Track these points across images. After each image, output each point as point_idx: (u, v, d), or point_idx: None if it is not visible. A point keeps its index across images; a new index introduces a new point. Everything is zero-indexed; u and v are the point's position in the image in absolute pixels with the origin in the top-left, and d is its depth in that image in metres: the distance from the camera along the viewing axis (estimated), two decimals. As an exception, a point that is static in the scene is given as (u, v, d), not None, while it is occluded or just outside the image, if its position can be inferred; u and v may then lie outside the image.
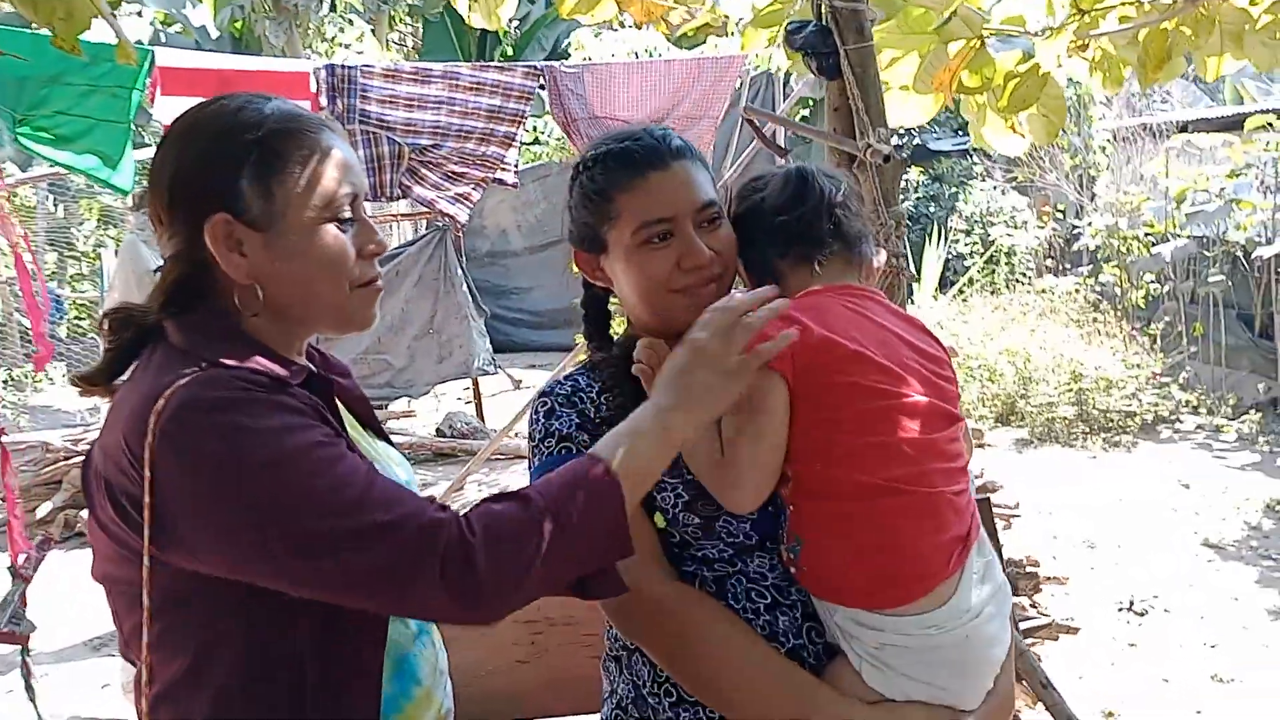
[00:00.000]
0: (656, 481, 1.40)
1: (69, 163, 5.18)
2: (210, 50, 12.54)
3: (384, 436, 1.52)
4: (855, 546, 1.36)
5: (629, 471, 1.22)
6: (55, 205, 14.60)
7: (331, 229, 1.27)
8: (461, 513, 1.16)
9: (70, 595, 5.17)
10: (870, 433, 1.35)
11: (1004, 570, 2.30)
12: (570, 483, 1.20)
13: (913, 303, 10.10)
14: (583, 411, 1.52)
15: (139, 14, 12.34)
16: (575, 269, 1.65)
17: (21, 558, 2.82)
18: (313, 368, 1.33)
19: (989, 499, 2.39)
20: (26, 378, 8.91)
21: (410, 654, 1.35)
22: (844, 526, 1.36)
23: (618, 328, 1.70)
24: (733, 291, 1.37)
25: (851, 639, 1.38)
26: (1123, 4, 2.92)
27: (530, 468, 1.54)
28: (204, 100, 1.30)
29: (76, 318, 13.32)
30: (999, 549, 2.46)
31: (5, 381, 9.84)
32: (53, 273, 16.11)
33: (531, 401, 1.61)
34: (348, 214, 1.28)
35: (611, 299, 1.65)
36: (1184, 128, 10.23)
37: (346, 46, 9.86)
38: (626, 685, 1.54)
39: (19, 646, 2.79)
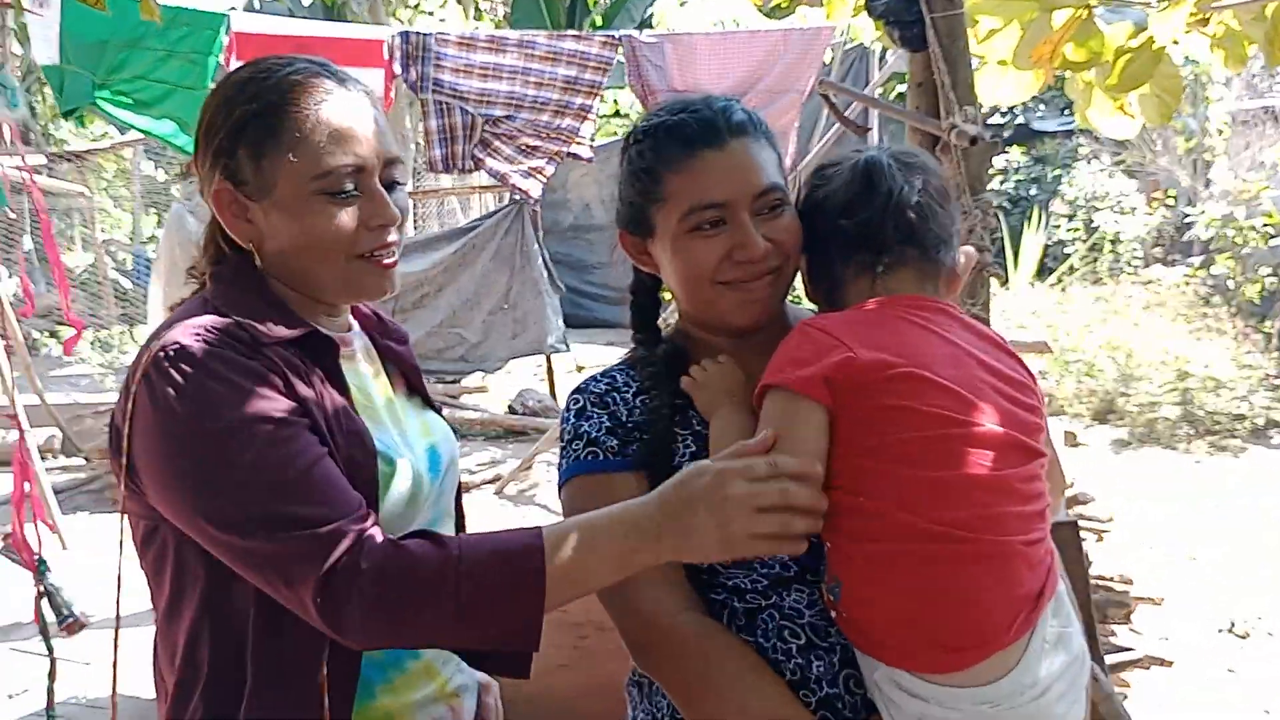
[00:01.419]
0: None
1: (147, 128, 5.22)
2: (302, 17, 12.67)
3: (431, 405, 1.52)
4: (898, 597, 1.16)
5: (566, 575, 1.14)
6: (155, 168, 15.00)
7: (322, 202, 1.26)
8: (382, 537, 1.15)
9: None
10: (924, 465, 1.15)
11: (1092, 593, 2.04)
12: (498, 555, 1.14)
13: (1007, 287, 9.73)
14: (614, 414, 1.40)
15: (234, -19, 12.52)
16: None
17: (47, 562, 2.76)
18: (319, 329, 1.31)
19: (1076, 522, 2.15)
20: (114, 339, 9.14)
21: None
22: (886, 573, 1.17)
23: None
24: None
25: (890, 703, 1.20)
26: (1251, -26, 2.63)
27: (559, 467, 1.42)
28: (242, 64, 1.34)
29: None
30: (1085, 575, 2.22)
31: (93, 342, 10.13)
32: (151, 235, 16.62)
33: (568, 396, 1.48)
34: (348, 186, 1.26)
35: (663, 288, 1.51)
36: (1311, 111, 9.62)
37: (430, 13, 9.80)
38: (646, 716, 1.41)
39: (49, 639, 2.74)
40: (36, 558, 2.74)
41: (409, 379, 1.50)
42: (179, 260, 3.72)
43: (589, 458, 1.36)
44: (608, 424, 1.39)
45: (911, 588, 1.15)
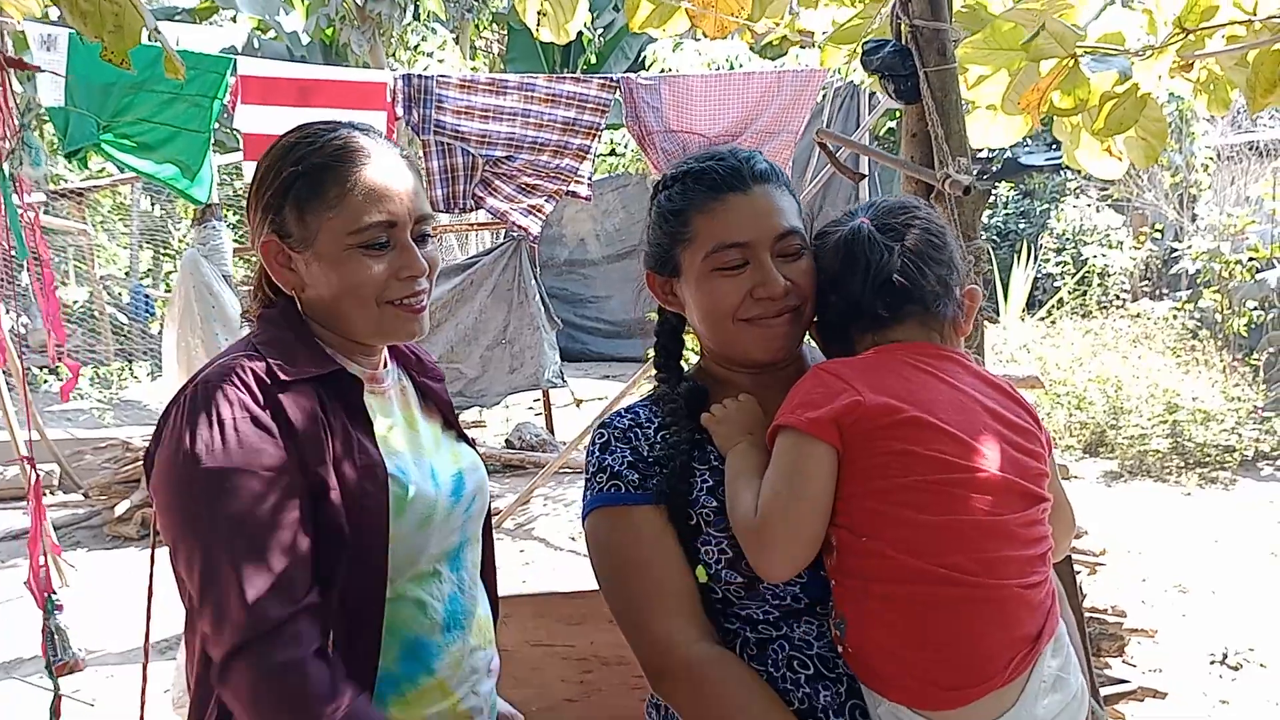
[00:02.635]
0: (701, 533, 1.37)
1: (149, 171, 5.25)
2: (301, 56, 12.80)
3: (465, 438, 1.63)
4: (901, 636, 1.22)
5: None
6: (152, 204, 15.07)
7: (358, 255, 1.38)
8: (306, 639, 1.24)
9: (141, 596, 5.22)
10: (926, 509, 1.21)
11: (1086, 626, 2.09)
12: None
13: (997, 322, 9.80)
14: (635, 449, 1.46)
15: (233, 20, 12.65)
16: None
17: (57, 596, 2.80)
18: (346, 369, 1.43)
19: (1069, 557, 2.21)
20: (113, 375, 9.17)
21: (428, 642, 1.42)
22: (889, 613, 1.23)
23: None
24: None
25: None
26: (1231, 23, 2.71)
27: (584, 498, 1.49)
28: (292, 127, 1.46)
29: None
30: (1080, 609, 2.27)
31: (92, 379, 10.14)
32: (147, 270, 16.67)
33: (591, 427, 1.56)
34: (381, 239, 1.39)
35: (686, 328, 1.58)
36: (1294, 147, 9.75)
37: (429, 55, 9.94)
38: None
39: (55, 677, 2.77)
40: (47, 595, 2.78)
41: (444, 414, 1.62)
42: (194, 304, 3.80)
43: (612, 490, 1.43)
44: (630, 458, 1.44)
45: (912, 627, 1.21)
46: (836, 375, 1.31)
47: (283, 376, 1.34)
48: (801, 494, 1.25)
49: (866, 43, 2.27)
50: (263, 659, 1.21)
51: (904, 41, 2.23)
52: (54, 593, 2.76)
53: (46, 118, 5.40)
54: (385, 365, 1.54)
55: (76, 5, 1.75)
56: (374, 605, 1.35)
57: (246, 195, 1.49)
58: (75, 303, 13.06)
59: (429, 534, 1.43)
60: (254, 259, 1.48)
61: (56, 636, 2.72)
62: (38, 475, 3.06)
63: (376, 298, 1.40)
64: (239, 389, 1.31)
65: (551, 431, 8.33)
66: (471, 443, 1.64)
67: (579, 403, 9.81)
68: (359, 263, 1.38)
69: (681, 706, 1.35)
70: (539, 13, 3.03)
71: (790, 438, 1.29)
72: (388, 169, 1.41)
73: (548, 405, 8.41)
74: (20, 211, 3.38)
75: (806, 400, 1.29)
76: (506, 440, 8.20)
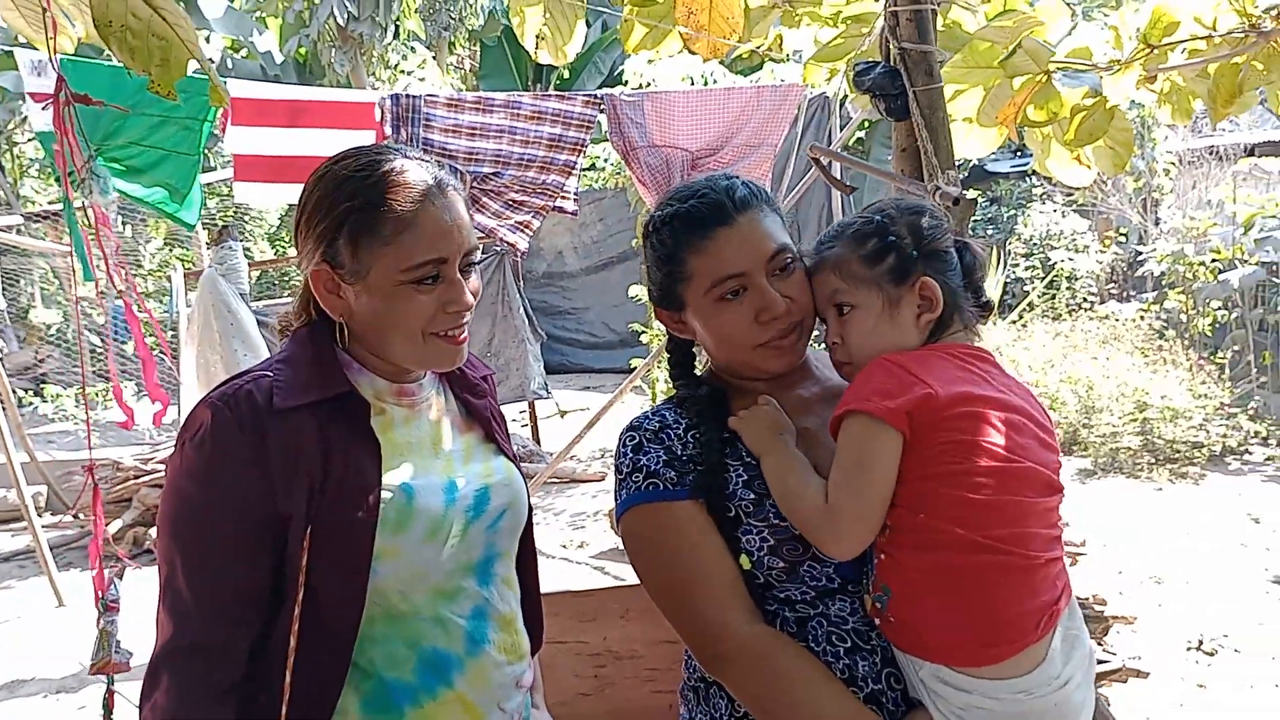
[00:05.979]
0: (741, 524, 1.45)
1: (139, 195, 5.29)
2: (275, 75, 12.84)
3: (505, 453, 1.65)
4: (948, 601, 1.35)
5: None
6: (123, 225, 15.01)
7: (409, 290, 1.42)
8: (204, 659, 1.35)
9: (136, 614, 5.25)
10: (978, 490, 1.35)
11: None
12: None
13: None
14: (669, 448, 1.54)
15: (207, 39, 12.68)
16: (662, 324, 1.67)
17: (113, 592, 2.89)
18: (356, 390, 1.47)
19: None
20: (97, 397, 9.18)
21: (447, 654, 1.45)
22: (939, 580, 1.36)
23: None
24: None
25: (936, 696, 1.38)
26: (1192, 39, 2.88)
27: (616, 499, 1.56)
28: (343, 152, 1.48)
29: (143, 335, 13.61)
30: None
31: (76, 400, 10.11)
32: (120, 291, 16.61)
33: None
34: (432, 275, 1.42)
35: (694, 344, 1.68)
36: (1251, 151, 10.02)
37: (409, 74, 10.05)
38: (705, 717, 1.55)
39: (106, 676, 2.85)
40: (102, 599, 2.89)
41: (485, 428, 1.65)
42: (213, 321, 3.87)
43: (650, 488, 1.51)
44: (665, 457, 1.53)
45: (959, 593, 1.35)
46: (906, 369, 1.42)
47: (277, 403, 1.38)
48: (874, 477, 1.38)
49: (858, 64, 2.41)
50: (171, 670, 1.33)
51: (893, 63, 2.37)
52: (105, 595, 2.85)
53: (36, 141, 5.46)
54: (421, 377, 1.57)
55: (125, 41, 1.83)
56: (349, 619, 1.40)
57: (296, 218, 1.49)
58: (49, 326, 13.00)
59: (439, 547, 1.45)
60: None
61: (101, 637, 2.81)
62: (96, 487, 3.16)
63: (422, 330, 1.44)
64: (227, 417, 1.36)
65: (538, 442, 8.42)
66: (513, 457, 1.67)
67: (563, 414, 9.89)
68: (408, 297, 1.42)
69: (740, 686, 1.43)
70: (537, 36, 3.15)
71: (863, 422, 1.40)
72: (443, 206, 1.43)
73: (534, 417, 8.49)
74: (93, 239, 3.45)
75: (881, 389, 1.40)
76: (492, 452, 8.28)
